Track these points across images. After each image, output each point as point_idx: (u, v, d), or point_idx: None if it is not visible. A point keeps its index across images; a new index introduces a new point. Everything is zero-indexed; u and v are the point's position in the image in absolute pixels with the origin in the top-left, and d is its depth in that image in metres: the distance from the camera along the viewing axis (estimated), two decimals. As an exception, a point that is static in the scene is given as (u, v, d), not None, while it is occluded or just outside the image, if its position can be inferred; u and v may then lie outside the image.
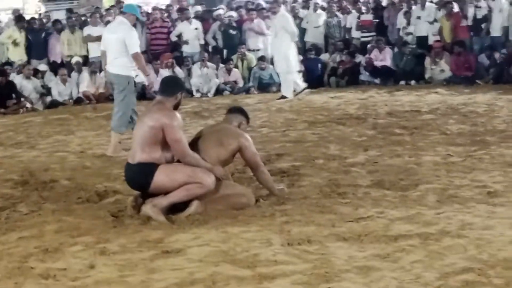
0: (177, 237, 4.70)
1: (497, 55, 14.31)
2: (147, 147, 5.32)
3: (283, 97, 13.18)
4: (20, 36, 15.21)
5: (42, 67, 14.83)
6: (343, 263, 4.04)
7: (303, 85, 13.58)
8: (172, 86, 5.62)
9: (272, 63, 15.33)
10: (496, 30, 14.58)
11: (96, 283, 3.90)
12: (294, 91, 13.37)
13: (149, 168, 5.31)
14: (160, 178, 5.29)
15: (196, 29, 15.68)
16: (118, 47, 8.53)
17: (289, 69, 13.16)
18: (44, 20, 16.51)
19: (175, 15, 16.73)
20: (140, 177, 5.36)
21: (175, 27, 15.97)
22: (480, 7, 14.71)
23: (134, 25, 8.93)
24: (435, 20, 15.28)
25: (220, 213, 5.26)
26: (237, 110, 6.05)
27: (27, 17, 17.27)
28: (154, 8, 17.10)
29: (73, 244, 4.67)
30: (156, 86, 14.23)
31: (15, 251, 4.56)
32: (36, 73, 14.33)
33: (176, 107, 5.55)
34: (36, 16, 17.66)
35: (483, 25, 14.75)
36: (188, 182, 5.28)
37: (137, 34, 8.84)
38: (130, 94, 8.66)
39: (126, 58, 8.46)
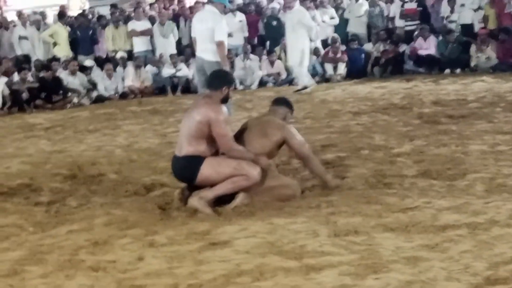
0: (224, 229, 4.72)
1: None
2: (194, 141, 5.37)
3: (305, 87, 13.04)
4: (65, 32, 15.42)
5: (88, 62, 15.02)
6: (390, 253, 4.02)
7: (311, 81, 13.39)
8: (219, 80, 5.64)
9: (315, 53, 15.30)
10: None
11: (145, 275, 3.95)
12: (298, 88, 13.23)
13: (195, 161, 5.36)
14: (206, 170, 5.33)
15: (240, 21, 15.71)
16: (209, 35, 8.95)
17: (302, 63, 13.01)
18: (89, 16, 16.72)
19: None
20: (186, 169, 5.41)
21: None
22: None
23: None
24: (480, 8, 15.07)
25: (266, 205, 5.28)
26: (281, 102, 6.04)
27: (72, 14, 17.53)
28: (197, 2, 17.18)
29: (122, 236, 4.73)
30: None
31: (65, 244, 4.64)
32: (83, 69, 14.52)
33: (224, 100, 5.57)
34: (80, 12, 17.85)
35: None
36: (234, 175, 5.31)
37: (225, 23, 9.20)
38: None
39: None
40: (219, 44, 8.90)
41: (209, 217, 5.10)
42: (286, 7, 13.46)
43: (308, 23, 12.87)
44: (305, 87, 13.05)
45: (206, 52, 9.06)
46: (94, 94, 14.14)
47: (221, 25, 9.00)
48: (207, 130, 5.34)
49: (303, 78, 13.23)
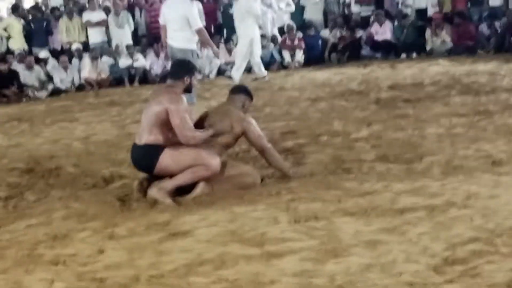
0: (185, 219, 4.71)
1: (497, 24, 14.26)
2: (154, 130, 5.34)
3: (230, 77, 12.97)
4: (19, 25, 15.20)
5: (43, 54, 14.83)
6: (350, 238, 4.05)
7: (264, 72, 13.32)
8: (180, 69, 5.60)
9: (273, 41, 15.32)
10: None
11: (106, 267, 3.92)
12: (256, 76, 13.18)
13: (154, 150, 5.33)
14: (165, 160, 5.30)
15: (198, 10, 15.60)
16: (180, 22, 9.03)
17: (252, 53, 12.90)
18: (43, 8, 16.49)
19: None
20: (145, 158, 5.38)
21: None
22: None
23: None
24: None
25: (227, 194, 5.27)
26: (240, 90, 6.02)
27: (26, 6, 17.27)
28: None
29: (81, 229, 4.69)
30: (157, 69, 14.38)
31: (24, 239, 4.58)
32: (38, 61, 14.34)
33: (186, 90, 5.54)
34: (34, 4, 17.58)
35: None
36: (193, 165, 5.29)
37: (197, 8, 9.28)
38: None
39: (189, 32, 8.91)
40: (199, 31, 9.04)
41: (169, 208, 5.08)
42: None
43: (255, 12, 12.76)
44: (256, 78, 12.99)
45: (177, 40, 9.10)
46: (50, 87, 13.97)
47: (193, 12, 9.12)
48: (166, 119, 5.31)
49: (260, 68, 13.20)
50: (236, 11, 13.04)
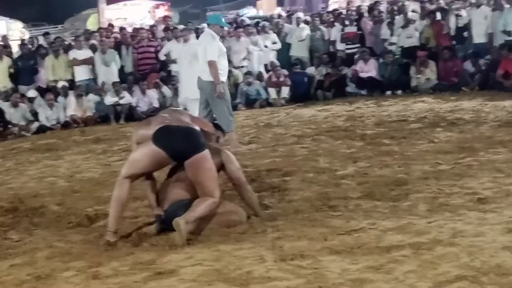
0: (170, 258, 4.68)
1: (481, 62, 14.40)
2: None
3: None
4: (5, 63, 15.19)
5: (31, 93, 14.81)
6: (336, 276, 4.03)
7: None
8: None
9: (258, 79, 15.39)
10: (479, 37, 14.66)
11: (90, 308, 3.88)
12: None
13: (203, 140, 5.35)
14: (206, 156, 5.28)
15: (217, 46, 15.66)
16: (204, 56, 9.47)
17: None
18: (30, 46, 16.50)
19: (160, 34, 16.76)
20: (198, 140, 5.32)
21: (161, 46, 15.98)
22: (461, 16, 14.83)
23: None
24: (416, 29, 15.38)
25: (212, 232, 5.25)
26: (213, 126, 6.07)
27: (12, 43, 17.28)
28: (140, 28, 17.13)
29: (65, 269, 4.64)
30: (143, 107, 14.38)
31: (7, 279, 4.53)
32: (24, 99, 14.31)
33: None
34: (20, 42, 17.59)
35: (465, 33, 14.85)
36: (211, 184, 5.27)
37: (218, 43, 9.51)
38: (226, 97, 9.49)
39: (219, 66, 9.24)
40: (210, 64, 9.31)
41: (154, 246, 5.03)
42: (184, 39, 12.97)
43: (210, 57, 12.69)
44: None
45: (203, 72, 9.55)
46: (36, 124, 13.93)
47: (211, 46, 9.39)
48: None
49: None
50: (184, 53, 12.63)
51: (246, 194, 5.69)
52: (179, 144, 5.27)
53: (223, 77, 9.49)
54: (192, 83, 12.41)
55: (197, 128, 5.46)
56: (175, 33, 15.61)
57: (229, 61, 15.46)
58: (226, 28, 9.57)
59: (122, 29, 17.45)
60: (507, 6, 14.26)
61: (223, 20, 10.36)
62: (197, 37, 12.87)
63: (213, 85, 9.33)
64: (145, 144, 5.33)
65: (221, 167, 5.58)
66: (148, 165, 5.33)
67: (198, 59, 12.20)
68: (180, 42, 13.35)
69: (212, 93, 9.41)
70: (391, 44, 15.48)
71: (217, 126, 6.10)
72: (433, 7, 15.90)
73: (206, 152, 5.30)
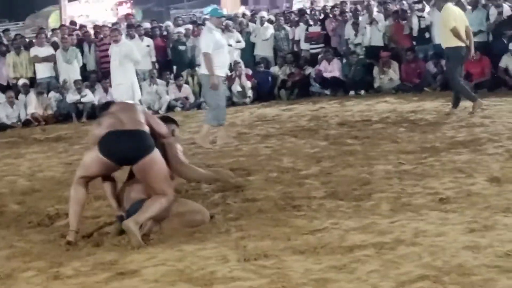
0: (132, 258, 4.64)
1: (443, 62, 14.53)
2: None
3: None
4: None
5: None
6: (300, 276, 4.03)
7: None
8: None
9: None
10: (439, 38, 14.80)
11: (50, 309, 3.83)
12: None
13: (152, 141, 5.32)
14: (157, 157, 5.26)
15: (148, 46, 15.61)
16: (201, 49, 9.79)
17: (133, 97, 12.34)
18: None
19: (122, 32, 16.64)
20: (144, 142, 5.28)
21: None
22: (423, 17, 14.95)
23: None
24: (379, 30, 15.49)
25: (175, 232, 5.22)
26: (167, 119, 6.07)
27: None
28: (102, 26, 16.97)
29: (25, 269, 4.59)
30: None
31: (-34, 280, 4.45)
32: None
33: None
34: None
35: (426, 34, 14.98)
36: (162, 184, 5.23)
37: (213, 36, 9.57)
38: (219, 91, 9.59)
39: (215, 60, 9.38)
40: (203, 56, 9.53)
41: (116, 246, 4.98)
42: (113, 40, 12.81)
43: (135, 58, 12.58)
44: None
45: (201, 67, 9.89)
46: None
47: (205, 38, 9.60)
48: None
49: None
50: (114, 54, 12.58)
51: (189, 172, 5.74)
52: (124, 150, 5.25)
53: (219, 70, 9.56)
54: (125, 84, 12.34)
55: (145, 128, 5.40)
56: (138, 31, 15.54)
57: (193, 60, 15.61)
58: (224, 19, 9.67)
59: (83, 26, 17.27)
60: (468, 7, 14.41)
61: (219, 11, 10.48)
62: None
63: (207, 77, 9.50)
64: (94, 149, 5.31)
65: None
66: (97, 170, 5.36)
67: (130, 60, 12.29)
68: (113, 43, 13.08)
69: (206, 86, 9.66)
70: (356, 44, 15.56)
71: (170, 119, 6.07)
72: (395, 8, 16.04)
73: (154, 154, 5.28)
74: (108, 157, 5.22)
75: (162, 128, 5.66)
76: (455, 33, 10.37)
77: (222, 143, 9.48)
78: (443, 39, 10.84)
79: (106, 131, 5.28)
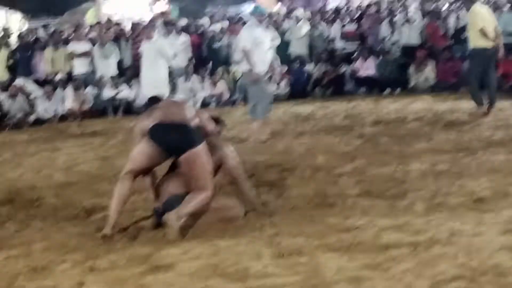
0: (167, 252, 4.66)
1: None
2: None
3: None
4: (0, 54, 15.17)
5: (29, 84, 14.79)
6: (333, 273, 4.02)
7: None
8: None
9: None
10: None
11: (86, 300, 3.87)
12: None
13: (200, 135, 5.36)
14: (203, 151, 5.30)
15: (184, 42, 15.68)
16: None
17: (163, 94, 12.16)
18: (29, 37, 16.46)
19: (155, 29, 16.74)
20: (192, 135, 5.32)
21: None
22: (461, 17, 14.84)
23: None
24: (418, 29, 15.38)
25: (210, 227, 5.23)
26: (217, 120, 6.02)
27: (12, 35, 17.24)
28: (139, 23, 17.09)
29: (61, 261, 4.63)
30: (142, 100, 14.33)
31: (3, 271, 4.51)
32: (22, 90, 14.29)
33: None
34: (19, 33, 17.55)
35: (463, 34, 14.83)
36: (204, 179, 5.27)
37: (253, 32, 9.70)
38: (261, 86, 9.70)
39: (254, 55, 9.51)
40: (243, 52, 9.64)
41: (152, 240, 5.02)
42: (146, 37, 13.00)
43: (167, 55, 12.59)
44: None
45: (241, 63, 10.11)
46: (33, 117, 13.91)
47: (244, 34, 9.78)
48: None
49: None
50: (147, 51, 12.68)
51: (244, 190, 5.68)
52: (173, 139, 5.28)
53: (260, 65, 9.64)
54: (156, 80, 12.38)
55: (193, 123, 5.44)
56: (176, 28, 15.62)
57: (229, 57, 15.63)
58: (265, 16, 10.36)
59: (119, 23, 17.41)
60: (507, 7, 14.25)
61: (261, 8, 10.77)
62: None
63: (247, 74, 9.72)
64: (143, 140, 5.36)
65: (220, 162, 5.57)
66: (145, 160, 5.35)
67: (162, 56, 12.32)
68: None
69: (249, 82, 9.85)
70: (392, 43, 15.46)
71: (219, 120, 6.06)
72: (433, 7, 15.91)
73: (201, 148, 5.30)
74: (159, 144, 5.27)
75: (210, 125, 5.72)
76: (483, 33, 10.36)
77: (254, 138, 9.59)
78: (471, 39, 10.81)
79: (155, 122, 5.34)
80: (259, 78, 9.63)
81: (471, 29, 10.69)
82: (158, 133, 5.31)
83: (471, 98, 10.86)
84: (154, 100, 5.91)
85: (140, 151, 5.36)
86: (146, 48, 12.67)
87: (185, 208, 5.15)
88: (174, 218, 5.04)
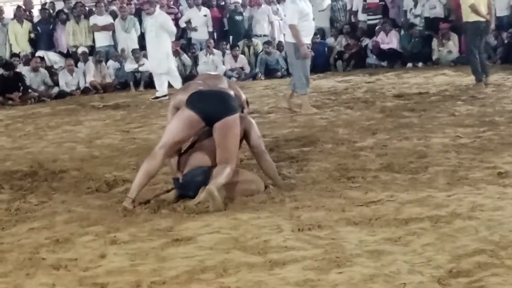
0: (187, 225, 4.69)
1: (504, 35, 14.22)
2: None
3: (157, 97, 12.39)
4: (22, 28, 15.22)
5: (52, 55, 14.88)
6: (354, 247, 4.02)
7: (165, 91, 12.48)
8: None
9: (278, 48, 15.31)
10: (502, 10, 14.47)
11: (107, 272, 3.89)
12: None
13: (236, 104, 5.42)
14: (238, 120, 5.35)
15: (205, 15, 15.65)
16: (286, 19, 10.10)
17: (168, 69, 12.47)
18: (50, 11, 16.50)
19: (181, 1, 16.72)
20: (232, 102, 5.38)
21: (182, 13, 15.92)
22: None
23: None
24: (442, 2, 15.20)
25: (230, 200, 5.25)
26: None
27: (33, 8, 17.29)
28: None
29: (83, 234, 4.67)
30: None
31: (26, 242, 4.56)
32: (43, 64, 14.39)
33: None
34: (40, 7, 17.59)
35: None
36: (233, 151, 5.31)
37: (297, 6, 9.68)
38: (306, 60, 9.79)
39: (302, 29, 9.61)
40: (290, 27, 9.67)
41: (172, 213, 5.03)
42: (146, 13, 12.93)
43: (170, 28, 12.52)
44: (165, 95, 12.28)
45: (287, 35, 10.18)
46: (55, 90, 13.99)
47: (289, 10, 9.89)
48: None
49: (175, 82, 12.40)
50: (149, 26, 12.61)
51: (265, 163, 5.67)
52: (211, 105, 5.29)
53: (306, 38, 9.68)
54: (159, 55, 12.33)
55: (231, 92, 5.47)
56: (196, 1, 15.57)
57: (250, 30, 15.58)
58: None
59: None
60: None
61: None
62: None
63: (293, 46, 9.63)
64: (179, 111, 5.38)
65: (243, 135, 5.56)
66: (181, 130, 5.32)
67: (165, 31, 12.29)
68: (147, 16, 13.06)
69: (292, 55, 9.79)
70: (416, 16, 15.31)
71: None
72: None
73: (237, 116, 5.33)
74: (197, 110, 5.26)
75: (243, 96, 5.78)
76: (473, 9, 10.68)
77: (304, 112, 9.62)
78: (463, 13, 11.07)
79: (193, 91, 5.37)
80: (307, 54, 9.60)
81: (463, 3, 10.94)
82: (197, 100, 5.32)
83: (472, 73, 11.13)
84: (191, 76, 5.96)
85: (176, 120, 5.34)
86: (148, 23, 12.65)
87: (218, 179, 5.14)
88: (215, 189, 5.03)
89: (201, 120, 5.31)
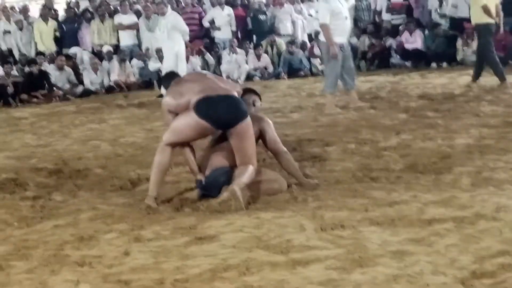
0: (210, 224, 4.71)
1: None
2: None
3: (161, 95, 12.43)
4: (48, 27, 15.34)
5: (85, 53, 15.02)
6: (377, 247, 4.01)
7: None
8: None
9: (302, 47, 15.31)
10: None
11: (131, 270, 3.92)
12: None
13: (245, 107, 5.42)
14: (250, 123, 5.35)
15: (228, 15, 15.68)
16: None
17: (179, 68, 12.13)
18: (75, 10, 16.61)
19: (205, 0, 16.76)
20: (242, 107, 5.36)
21: (205, 12, 15.97)
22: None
23: None
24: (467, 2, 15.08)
25: (253, 199, 5.26)
26: (248, 90, 5.99)
27: (57, 7, 17.42)
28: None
29: (107, 231, 4.71)
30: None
31: (51, 239, 4.61)
32: (69, 60, 14.50)
33: None
34: (65, 6, 17.71)
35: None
36: (251, 152, 5.33)
37: (329, 5, 9.69)
38: (338, 60, 9.69)
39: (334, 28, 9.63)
40: (321, 27, 9.83)
41: (195, 212, 5.06)
42: (160, 13, 13.00)
43: (183, 28, 12.52)
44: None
45: (321, 34, 10.24)
46: (80, 88, 14.09)
47: (321, 9, 9.95)
48: None
49: None
50: (162, 26, 12.68)
51: (286, 163, 5.67)
52: (223, 113, 5.26)
53: (339, 37, 9.67)
54: (171, 55, 12.30)
55: (235, 93, 5.46)
56: (219, 0, 15.60)
57: (273, 29, 15.57)
58: None
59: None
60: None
61: None
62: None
63: (326, 46, 9.72)
64: (187, 114, 5.31)
65: (259, 134, 5.56)
66: (191, 135, 5.37)
67: (177, 31, 12.26)
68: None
69: (325, 53, 9.89)
70: (442, 16, 15.22)
71: (252, 90, 6.04)
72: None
73: (249, 120, 5.32)
74: (208, 120, 5.25)
75: (237, 88, 5.75)
76: (486, 10, 10.65)
77: (328, 112, 9.58)
78: (474, 15, 11.09)
79: (200, 97, 5.30)
80: (335, 54, 9.57)
81: (474, 4, 10.96)
82: (206, 108, 5.26)
83: (494, 74, 11.12)
84: (172, 75, 5.86)
85: (185, 126, 5.32)
86: (161, 24, 12.69)
87: (241, 179, 5.18)
88: (238, 189, 5.06)
89: (213, 127, 5.34)
